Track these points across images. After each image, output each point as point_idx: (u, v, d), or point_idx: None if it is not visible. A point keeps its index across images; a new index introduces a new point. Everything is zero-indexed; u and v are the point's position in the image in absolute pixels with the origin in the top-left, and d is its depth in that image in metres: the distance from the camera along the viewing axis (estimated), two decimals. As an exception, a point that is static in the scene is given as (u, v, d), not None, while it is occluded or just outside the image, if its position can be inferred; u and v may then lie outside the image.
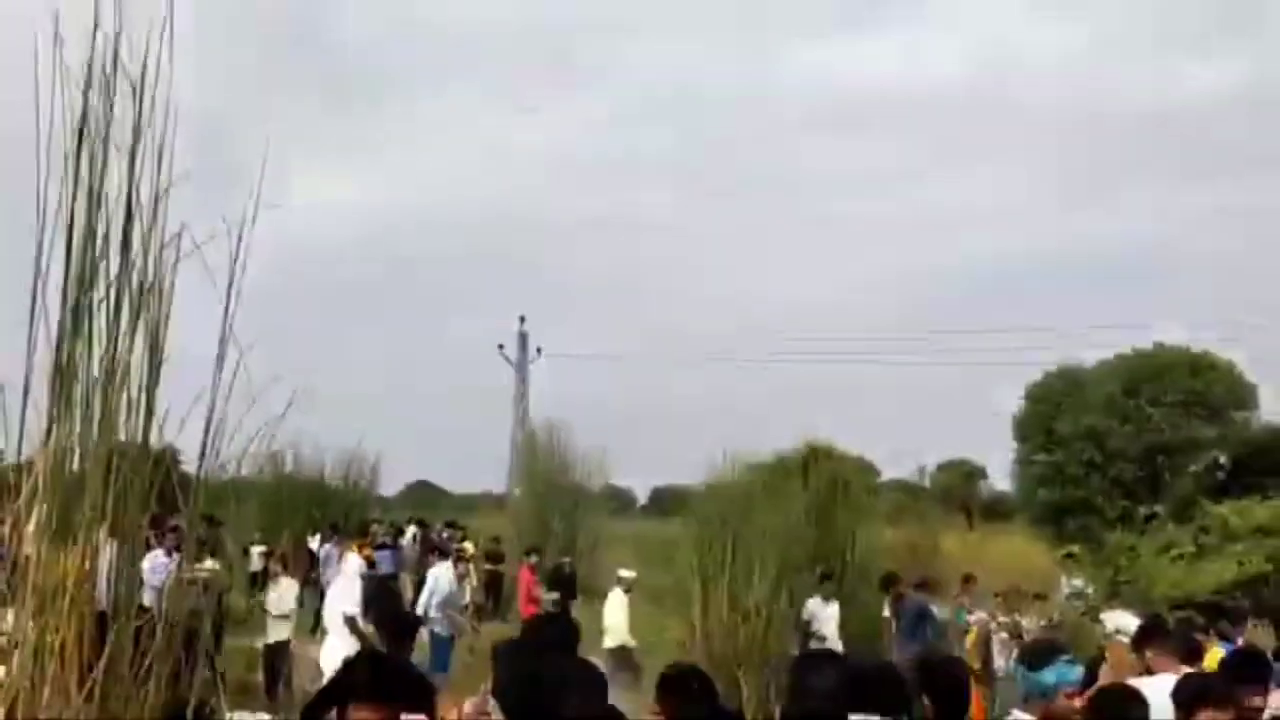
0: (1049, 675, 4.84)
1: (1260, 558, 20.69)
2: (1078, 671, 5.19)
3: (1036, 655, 5.07)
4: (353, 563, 12.87)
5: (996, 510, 46.39)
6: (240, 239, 4.27)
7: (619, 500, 41.25)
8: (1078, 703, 5.18)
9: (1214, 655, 8.41)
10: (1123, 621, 12.17)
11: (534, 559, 17.29)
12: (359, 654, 5.02)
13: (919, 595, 14.78)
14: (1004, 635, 11.91)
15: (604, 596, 18.29)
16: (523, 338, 46.87)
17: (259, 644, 12.99)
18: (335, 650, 9.93)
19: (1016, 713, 5.16)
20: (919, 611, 14.18)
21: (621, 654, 13.05)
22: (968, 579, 14.97)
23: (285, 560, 14.17)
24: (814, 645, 12.40)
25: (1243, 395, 28.17)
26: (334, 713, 3.33)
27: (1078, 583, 17.80)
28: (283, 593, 12.97)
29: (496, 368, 46.52)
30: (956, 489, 53.61)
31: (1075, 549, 23.53)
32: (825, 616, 13.96)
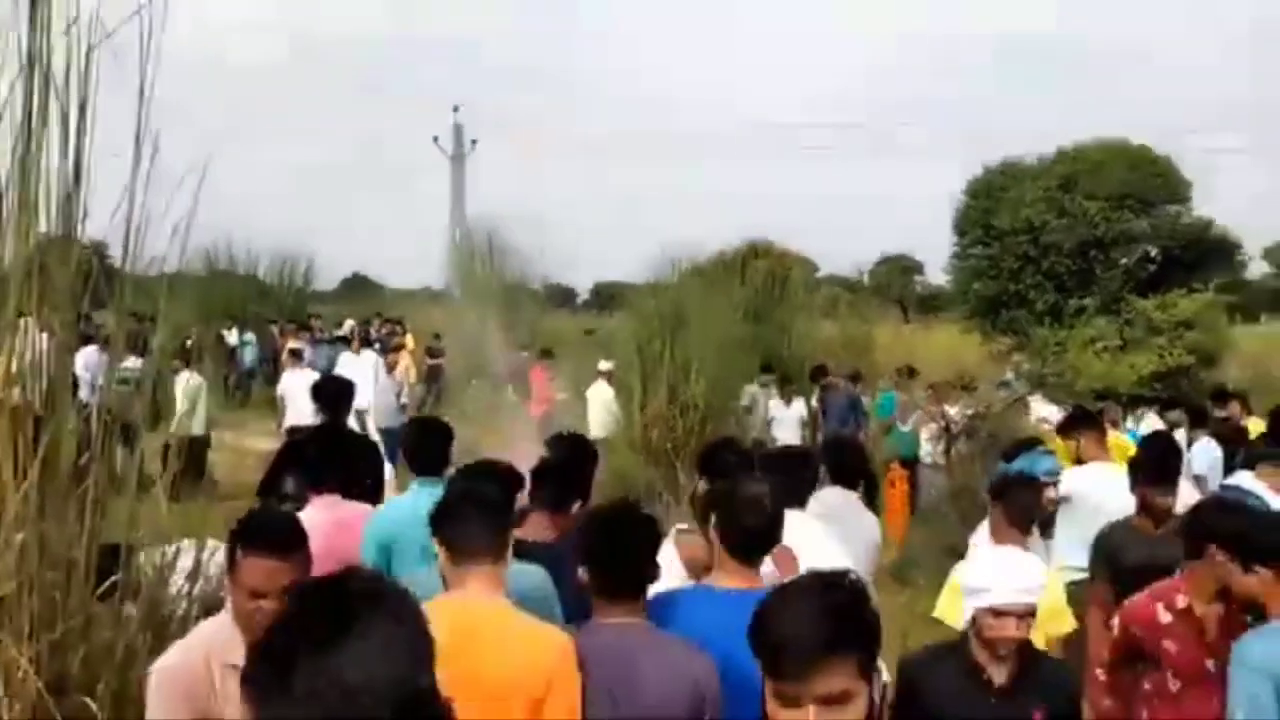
0: (1018, 464, 5.03)
1: (1181, 351, 21.39)
2: (1049, 462, 5.38)
3: (1012, 449, 5.33)
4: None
5: (932, 304, 47.14)
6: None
7: (559, 296, 41.25)
8: (1050, 493, 5.36)
9: (1117, 443, 8.87)
10: (1046, 411, 12.62)
11: (547, 360, 17.08)
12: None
13: (850, 386, 15.13)
14: (933, 426, 12.26)
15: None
16: (458, 129, 45.66)
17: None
18: None
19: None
20: (850, 402, 14.59)
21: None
22: (912, 372, 15.17)
23: (187, 355, 13.80)
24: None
25: (1177, 189, 28.35)
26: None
27: (1009, 376, 18.29)
28: (183, 386, 12.50)
29: (434, 159, 45.46)
30: (894, 283, 54.34)
31: (1005, 342, 24.09)
32: (786, 419, 14.20)
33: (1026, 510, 5.06)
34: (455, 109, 46.03)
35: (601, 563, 3.21)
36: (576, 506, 4.65)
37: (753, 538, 3.43)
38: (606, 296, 43.88)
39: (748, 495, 3.46)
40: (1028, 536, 4.98)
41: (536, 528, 4.48)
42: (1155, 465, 5.34)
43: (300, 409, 12.03)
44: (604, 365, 14.70)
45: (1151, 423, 11.80)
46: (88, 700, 3.77)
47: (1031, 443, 5.27)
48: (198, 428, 12.61)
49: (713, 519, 3.48)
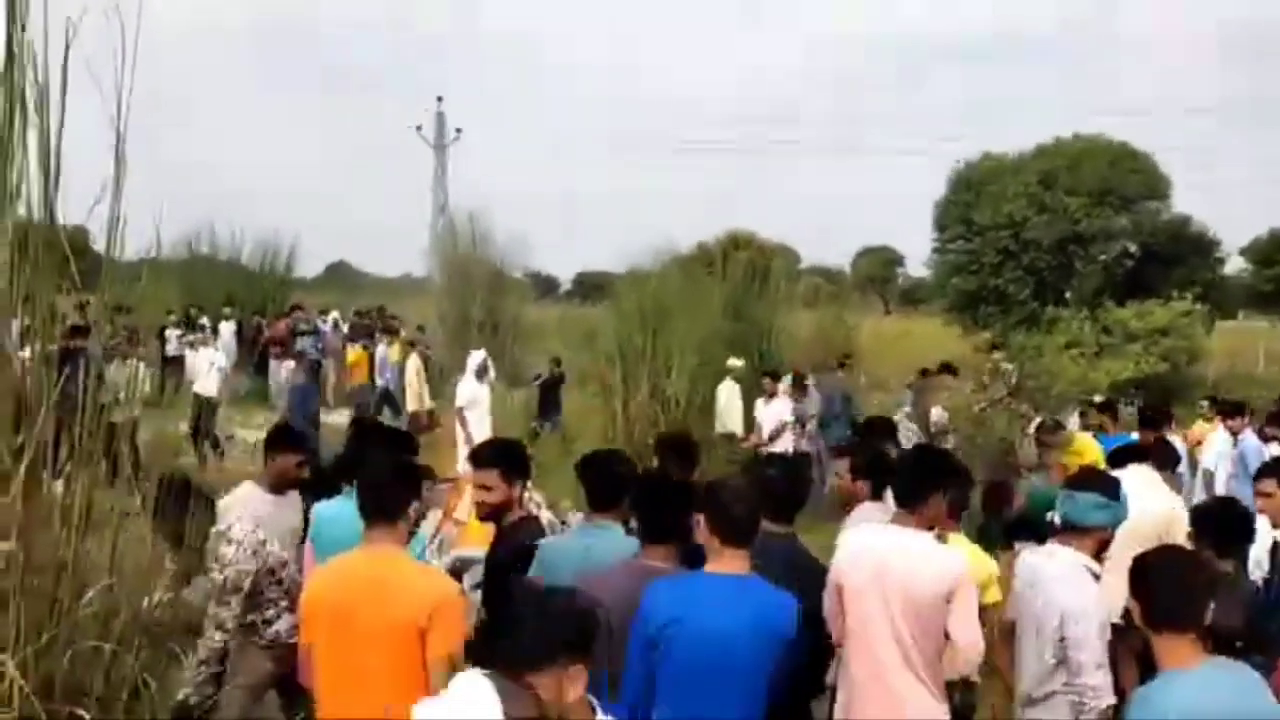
0: (1071, 509, 4.43)
1: (1156, 358, 21.65)
2: (1106, 515, 4.43)
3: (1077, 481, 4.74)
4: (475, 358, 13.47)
5: (913, 297, 47.27)
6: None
7: (541, 285, 41.28)
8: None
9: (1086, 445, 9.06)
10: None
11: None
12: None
13: (841, 377, 14.83)
14: (914, 427, 12.29)
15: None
16: (440, 119, 45.63)
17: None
18: None
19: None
20: (843, 394, 14.15)
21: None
22: (926, 372, 14.42)
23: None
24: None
25: (1157, 186, 28.55)
26: None
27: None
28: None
29: (416, 149, 45.41)
30: (877, 276, 54.46)
31: (985, 337, 24.24)
32: (768, 417, 13.88)
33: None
34: (439, 99, 46.10)
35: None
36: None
37: (741, 525, 3.66)
38: (590, 286, 43.93)
39: (735, 486, 3.76)
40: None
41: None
42: (1223, 530, 5.01)
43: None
44: (734, 362, 14.26)
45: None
46: (78, 707, 3.82)
47: (1094, 477, 4.75)
48: (211, 390, 14.34)
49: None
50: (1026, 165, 28.66)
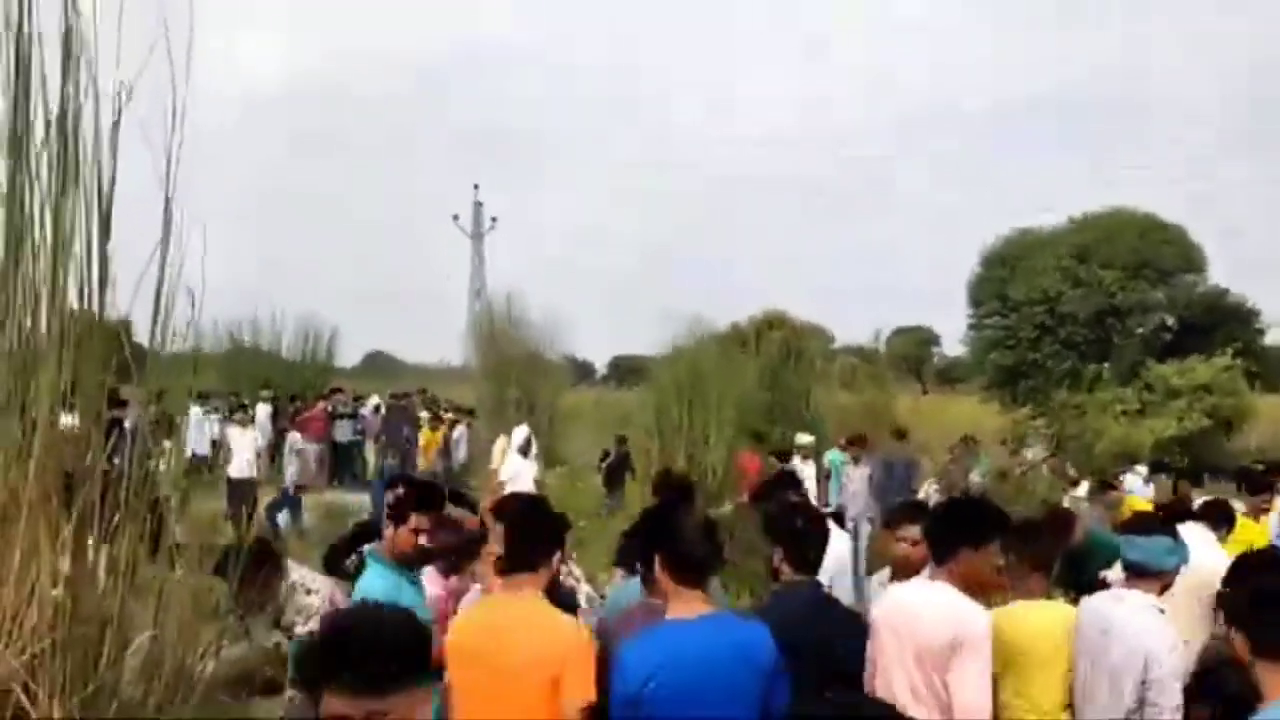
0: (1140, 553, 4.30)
1: (1200, 415, 21.30)
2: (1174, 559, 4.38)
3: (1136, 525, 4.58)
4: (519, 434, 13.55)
5: (950, 376, 47.06)
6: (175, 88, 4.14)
7: (578, 370, 41.43)
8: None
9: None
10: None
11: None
12: None
13: (905, 447, 14.62)
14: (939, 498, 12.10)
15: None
16: (477, 207, 46.40)
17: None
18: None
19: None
20: (906, 462, 13.89)
21: None
22: (966, 439, 14.31)
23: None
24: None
25: (1191, 258, 28.48)
26: None
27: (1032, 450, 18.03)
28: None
29: (453, 237, 46.15)
30: (911, 355, 54.30)
31: (1025, 412, 24.03)
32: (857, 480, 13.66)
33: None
34: (475, 187, 46.94)
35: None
36: None
37: (698, 563, 3.58)
38: (625, 370, 44.08)
39: (692, 523, 3.68)
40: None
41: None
42: None
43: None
44: (803, 439, 14.19)
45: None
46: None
47: (1156, 522, 4.53)
48: (248, 471, 14.41)
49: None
50: (1060, 239, 28.71)
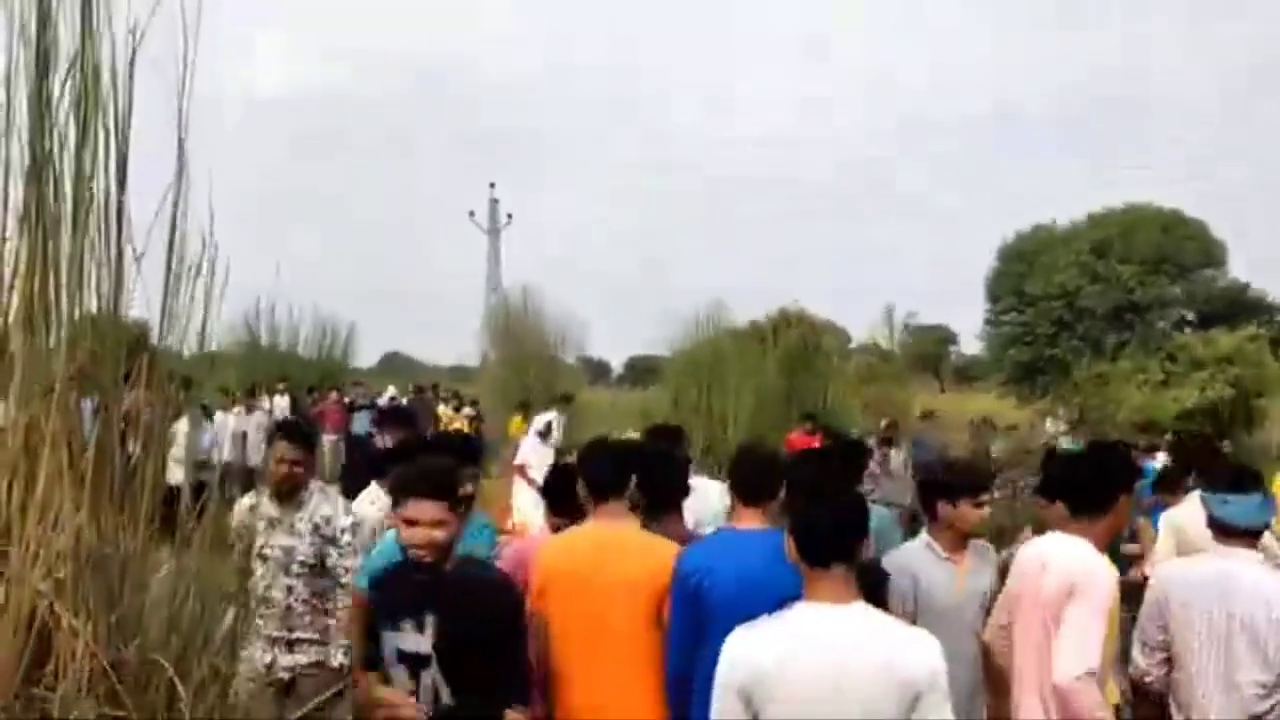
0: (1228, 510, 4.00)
1: (1223, 384, 20.83)
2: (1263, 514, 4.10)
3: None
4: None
5: (967, 374, 46.84)
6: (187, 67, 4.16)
7: (594, 370, 41.40)
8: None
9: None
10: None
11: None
12: None
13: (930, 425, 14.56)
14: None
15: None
16: (493, 205, 46.46)
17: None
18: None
19: None
20: (940, 444, 13.79)
21: None
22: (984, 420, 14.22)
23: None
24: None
25: (1212, 253, 28.32)
26: None
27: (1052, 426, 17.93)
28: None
29: (468, 235, 46.26)
30: (929, 354, 54.09)
31: (1044, 405, 23.92)
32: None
33: None
34: (492, 185, 47.01)
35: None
36: None
37: (756, 485, 3.89)
38: (641, 370, 44.03)
39: (755, 454, 4.15)
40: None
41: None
42: None
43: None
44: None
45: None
46: (152, 670, 3.80)
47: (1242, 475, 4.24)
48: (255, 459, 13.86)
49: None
50: (1078, 235, 28.60)
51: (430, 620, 3.39)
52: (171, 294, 4.43)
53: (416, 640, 3.40)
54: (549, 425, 13.37)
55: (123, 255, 4.24)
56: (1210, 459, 7.17)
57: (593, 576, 3.81)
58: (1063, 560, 3.65)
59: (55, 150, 4.24)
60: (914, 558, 4.37)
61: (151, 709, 3.83)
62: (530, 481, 11.83)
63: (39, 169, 4.14)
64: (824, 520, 2.95)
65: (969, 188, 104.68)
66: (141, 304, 4.42)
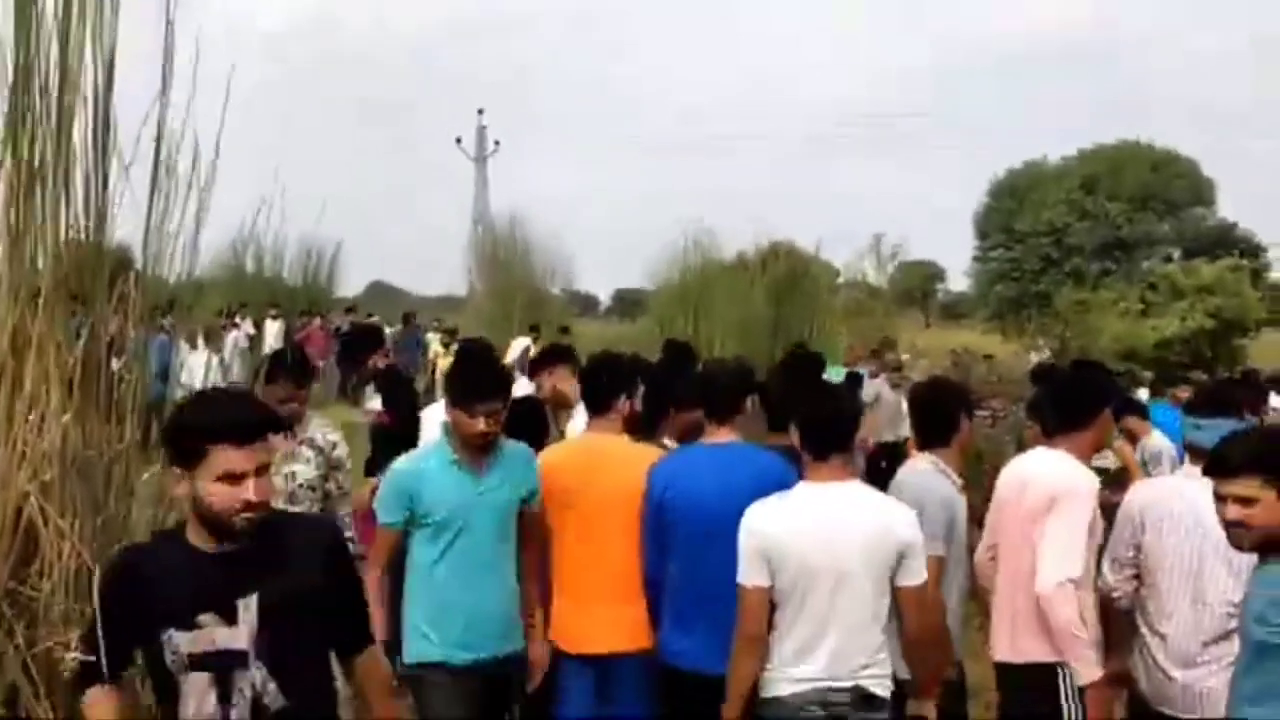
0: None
1: (1202, 314, 20.97)
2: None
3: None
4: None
5: (954, 311, 46.88)
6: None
7: (581, 303, 41.27)
8: None
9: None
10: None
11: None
12: None
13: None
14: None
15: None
16: (481, 132, 45.82)
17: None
18: None
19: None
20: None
21: None
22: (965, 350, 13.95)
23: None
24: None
25: (1202, 191, 28.28)
26: None
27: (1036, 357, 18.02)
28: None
29: (455, 164, 45.70)
30: (916, 289, 54.07)
31: (1028, 341, 24.00)
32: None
33: None
34: (480, 111, 46.29)
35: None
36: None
37: (723, 401, 3.98)
38: (629, 303, 43.93)
39: (719, 370, 4.28)
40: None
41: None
42: None
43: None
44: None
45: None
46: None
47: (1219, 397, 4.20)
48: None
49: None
50: (1068, 171, 28.51)
51: (246, 604, 2.48)
52: (157, 209, 4.42)
53: (226, 635, 2.48)
54: (525, 351, 13.38)
55: (109, 158, 4.21)
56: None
57: (584, 488, 3.95)
58: (1044, 474, 3.76)
59: (40, 55, 4.22)
60: (939, 485, 3.88)
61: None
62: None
63: (25, 71, 4.10)
64: (824, 417, 3.42)
65: (964, 130, 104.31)
66: (129, 220, 4.42)
